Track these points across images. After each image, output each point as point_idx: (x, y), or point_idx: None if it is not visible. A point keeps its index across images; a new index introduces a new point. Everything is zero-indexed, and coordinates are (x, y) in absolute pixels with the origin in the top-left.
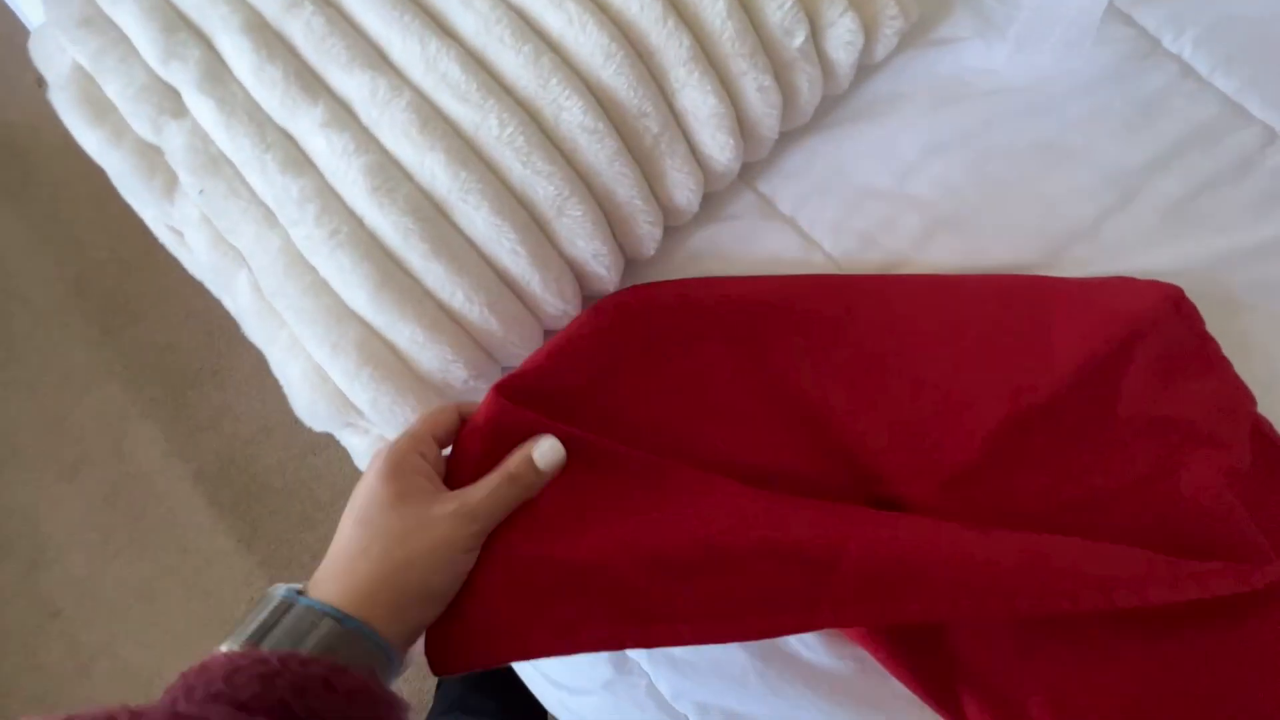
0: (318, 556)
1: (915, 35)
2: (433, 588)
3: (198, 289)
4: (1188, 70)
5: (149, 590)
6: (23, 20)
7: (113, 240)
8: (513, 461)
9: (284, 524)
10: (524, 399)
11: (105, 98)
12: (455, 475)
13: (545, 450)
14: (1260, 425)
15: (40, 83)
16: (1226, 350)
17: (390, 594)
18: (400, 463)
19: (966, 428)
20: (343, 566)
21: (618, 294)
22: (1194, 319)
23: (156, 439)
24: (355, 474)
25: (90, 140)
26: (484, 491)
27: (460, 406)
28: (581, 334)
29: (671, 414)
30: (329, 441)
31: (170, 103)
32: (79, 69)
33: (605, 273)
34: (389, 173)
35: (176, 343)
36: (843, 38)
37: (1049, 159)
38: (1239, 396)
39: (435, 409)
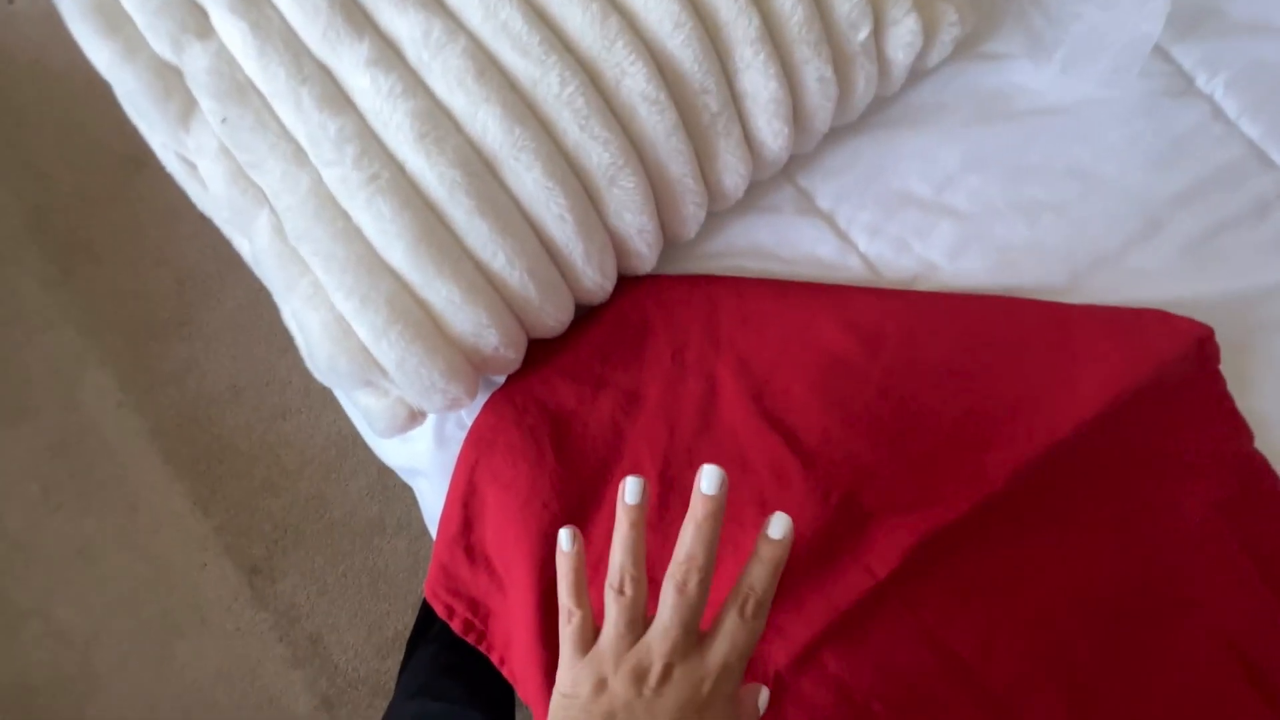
0: (278, 526)
1: (964, 47)
2: None
3: (171, 234)
4: (1218, 112)
5: (91, 549)
6: None
7: (79, 174)
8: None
9: (245, 488)
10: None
11: (120, 8)
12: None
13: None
14: (1254, 460)
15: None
16: (1231, 384)
17: None
18: None
19: (991, 462)
20: None
21: (635, 305)
22: (1212, 359)
23: (111, 390)
24: (326, 442)
25: (101, 53)
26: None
27: None
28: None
29: (676, 433)
30: (302, 406)
31: (195, 21)
32: None
33: (646, 250)
34: (438, 120)
35: (143, 290)
36: (903, 38)
37: (1082, 184)
38: (1236, 433)
39: None
